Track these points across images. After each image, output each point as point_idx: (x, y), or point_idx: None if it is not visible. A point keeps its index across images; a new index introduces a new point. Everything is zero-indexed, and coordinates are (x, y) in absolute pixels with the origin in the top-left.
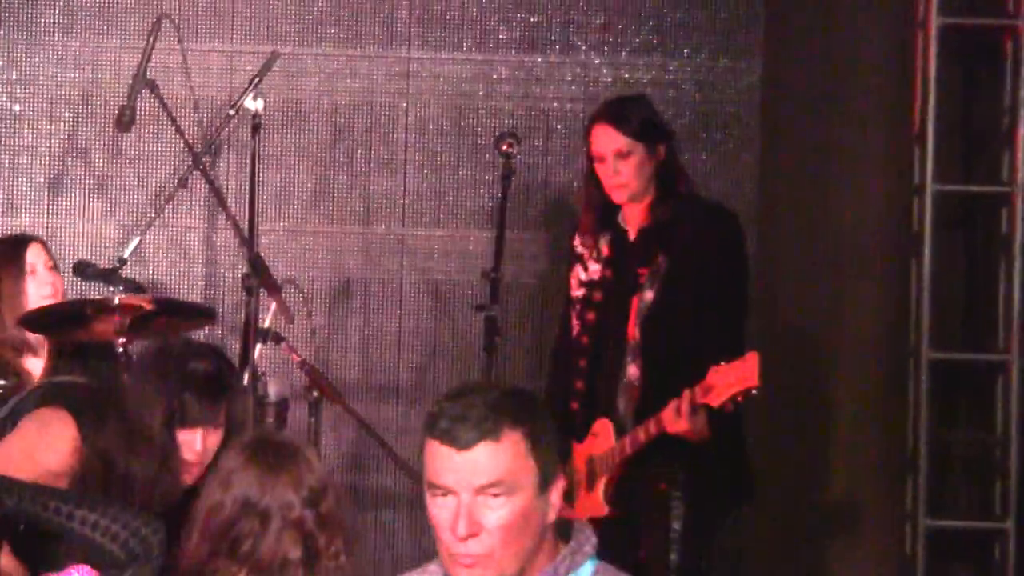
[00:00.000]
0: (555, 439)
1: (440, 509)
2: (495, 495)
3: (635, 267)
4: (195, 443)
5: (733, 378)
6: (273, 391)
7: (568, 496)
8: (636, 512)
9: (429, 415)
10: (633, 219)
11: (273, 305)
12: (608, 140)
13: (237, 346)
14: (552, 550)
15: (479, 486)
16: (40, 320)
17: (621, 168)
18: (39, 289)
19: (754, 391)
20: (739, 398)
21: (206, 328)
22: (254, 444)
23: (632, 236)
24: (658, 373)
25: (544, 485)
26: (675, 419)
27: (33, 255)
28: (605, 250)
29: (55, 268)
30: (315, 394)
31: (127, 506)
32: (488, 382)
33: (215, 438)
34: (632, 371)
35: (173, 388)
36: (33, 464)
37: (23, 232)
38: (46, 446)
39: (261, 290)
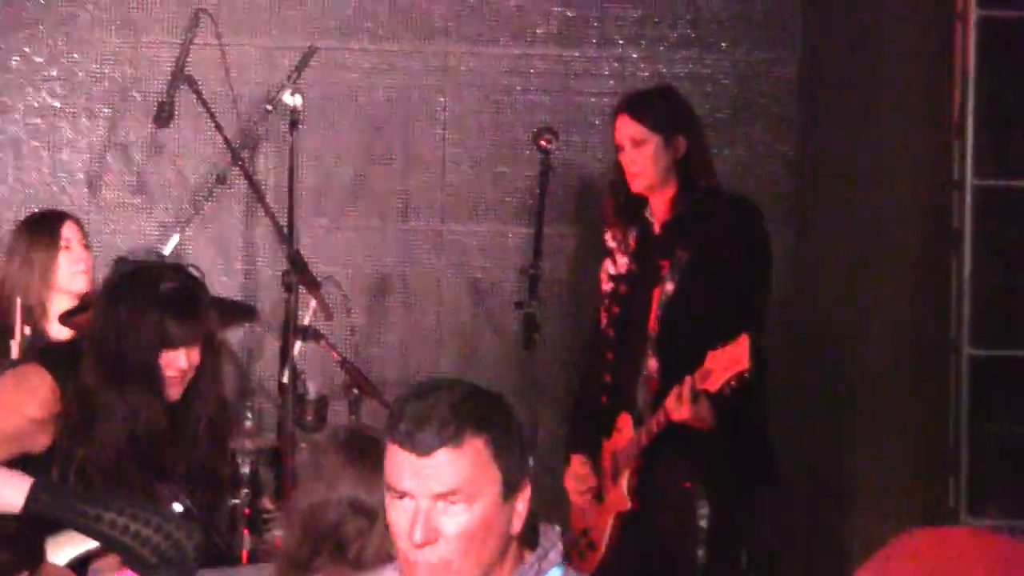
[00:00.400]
0: (523, 445)
1: (398, 513)
2: (454, 502)
3: (658, 260)
4: (179, 361)
5: (727, 361)
6: (312, 388)
7: (599, 494)
8: (660, 510)
9: (390, 415)
10: (658, 212)
11: (312, 302)
12: (625, 129)
13: (276, 343)
14: (517, 559)
15: (438, 493)
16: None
17: (636, 157)
18: (72, 265)
19: (746, 374)
20: (732, 382)
21: (246, 325)
22: (353, 441)
23: (656, 229)
24: (675, 365)
25: (509, 493)
26: (677, 406)
27: (68, 231)
28: (632, 243)
29: (88, 246)
30: (354, 391)
31: (163, 510)
32: (454, 380)
33: (196, 353)
34: (651, 364)
35: (151, 313)
36: (17, 416)
37: (59, 209)
38: (26, 396)
39: (300, 287)
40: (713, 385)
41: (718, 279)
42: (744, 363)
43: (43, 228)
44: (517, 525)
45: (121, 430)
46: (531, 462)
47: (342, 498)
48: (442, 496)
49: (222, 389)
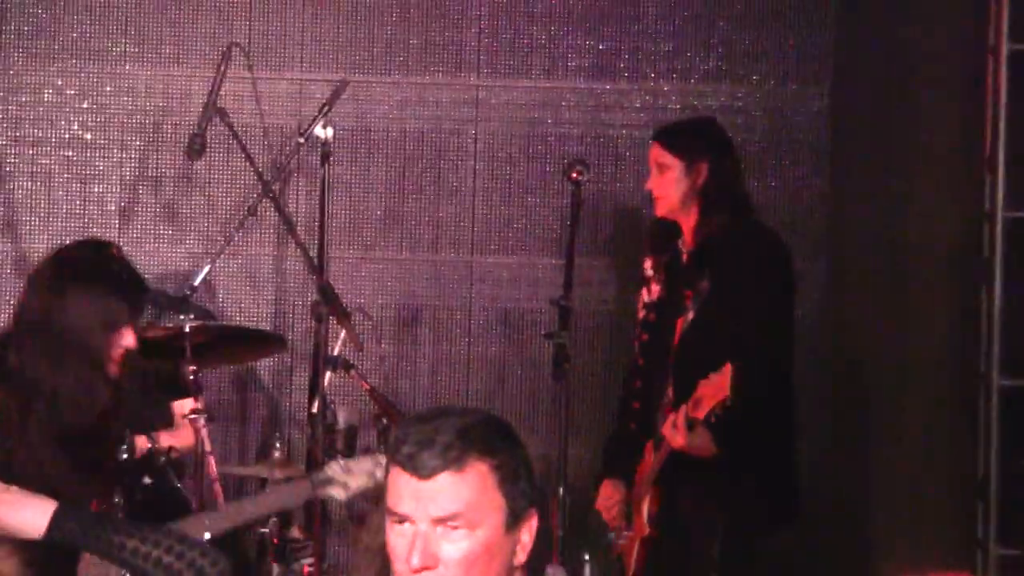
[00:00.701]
0: (530, 474)
1: (397, 537)
2: (455, 527)
3: (683, 289)
4: (128, 339)
5: (712, 390)
6: (342, 418)
7: (628, 519)
8: (675, 538)
9: (395, 437)
10: (686, 241)
11: (342, 333)
12: (653, 153)
13: (307, 373)
14: None
15: (438, 517)
16: None
17: (659, 182)
18: None
19: (727, 402)
20: (716, 410)
21: (275, 355)
22: None
23: (684, 257)
24: (686, 394)
25: (513, 522)
26: (672, 434)
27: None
28: (662, 272)
29: None
30: (384, 421)
31: (185, 537)
32: (462, 407)
33: (137, 328)
34: (670, 392)
35: (103, 293)
36: None
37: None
38: None
39: (330, 317)
40: (700, 413)
41: (731, 309)
42: (725, 391)
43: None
44: (521, 556)
45: (56, 417)
46: (539, 492)
47: None
48: (442, 521)
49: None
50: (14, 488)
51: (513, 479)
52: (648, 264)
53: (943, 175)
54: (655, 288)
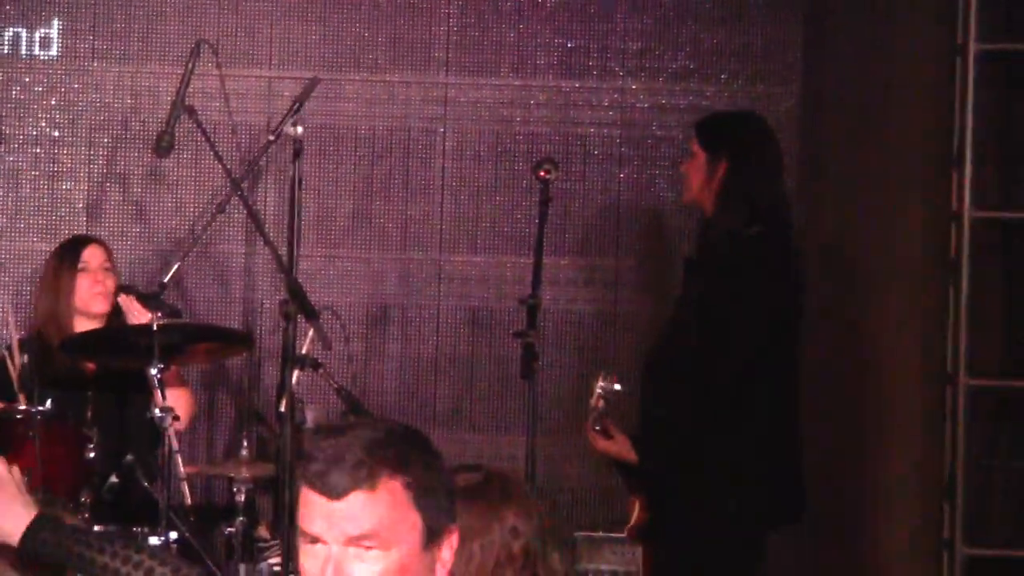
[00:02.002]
0: (449, 489)
1: (308, 558)
2: (369, 548)
3: (689, 289)
4: None
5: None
6: (310, 417)
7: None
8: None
9: (303, 453)
10: (703, 237)
11: (311, 331)
12: (690, 141)
13: (274, 372)
14: None
15: (350, 537)
16: (81, 345)
17: (687, 169)
18: (90, 287)
19: (598, 413)
20: (597, 426)
21: (244, 353)
22: (493, 479)
23: (699, 257)
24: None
25: (430, 540)
26: (594, 443)
27: (88, 254)
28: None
29: (110, 270)
30: (352, 420)
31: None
32: (373, 419)
33: None
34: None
35: None
36: None
37: (88, 234)
38: None
39: (299, 316)
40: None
41: (703, 321)
42: (592, 401)
43: (66, 252)
44: (441, 573)
45: None
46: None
47: (505, 527)
48: (355, 541)
49: None
50: (9, 488)
51: (430, 494)
52: (687, 256)
53: (911, 175)
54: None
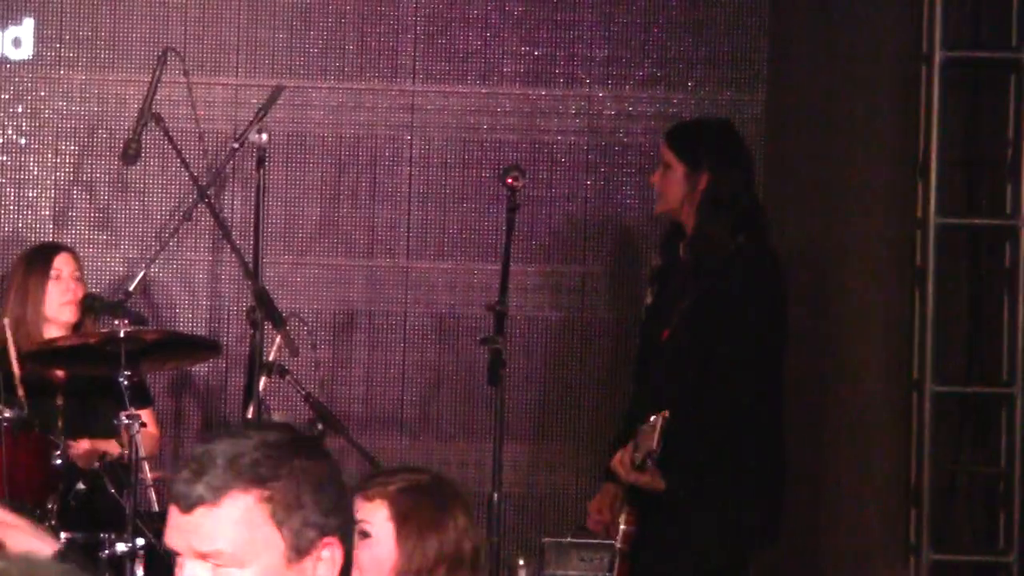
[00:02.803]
0: (326, 499)
1: (177, 570)
2: (220, 565)
3: (672, 299)
4: None
5: (646, 438)
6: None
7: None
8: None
9: (178, 462)
10: (685, 248)
11: (278, 338)
12: (661, 149)
13: (241, 379)
14: None
15: (200, 552)
16: (49, 353)
17: (661, 180)
18: (60, 295)
19: (654, 455)
20: (648, 460)
21: (211, 360)
22: (441, 483)
23: (678, 266)
24: (655, 408)
25: (297, 554)
26: (620, 471)
27: (60, 262)
28: (656, 277)
29: (80, 279)
30: (319, 426)
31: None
32: (251, 427)
33: None
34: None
35: None
36: None
37: (58, 242)
38: None
39: (266, 323)
40: (636, 460)
41: (707, 334)
42: (651, 444)
43: (37, 258)
44: None
45: None
46: (341, 517)
47: (459, 526)
48: (205, 557)
49: None
50: (23, 522)
51: (293, 509)
52: (654, 264)
53: (877, 182)
54: (651, 292)
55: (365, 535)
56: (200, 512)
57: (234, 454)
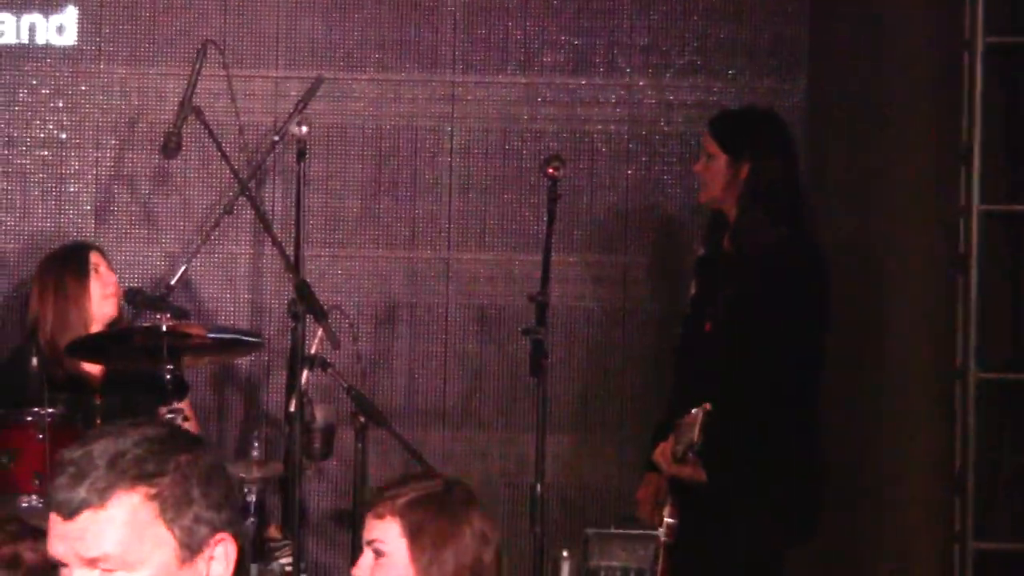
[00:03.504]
0: (216, 493)
1: None
2: (109, 571)
3: (715, 291)
4: None
5: (687, 428)
6: (320, 417)
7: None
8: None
9: (54, 466)
10: (728, 238)
11: (319, 331)
12: (704, 138)
13: (283, 372)
14: None
15: (88, 559)
16: (88, 348)
17: (704, 170)
18: (103, 288)
19: (694, 447)
20: (689, 453)
21: (252, 354)
22: (455, 487)
23: (721, 258)
24: (696, 401)
25: (190, 553)
26: (662, 464)
27: (96, 257)
28: (698, 268)
29: (114, 271)
30: (361, 419)
31: None
32: (130, 425)
33: None
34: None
35: None
36: None
37: (84, 240)
38: None
39: (307, 316)
40: (678, 451)
41: (750, 327)
42: (692, 435)
43: (72, 257)
44: None
45: None
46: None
47: (475, 532)
48: (94, 563)
49: None
50: None
51: (182, 505)
52: (698, 254)
53: (919, 170)
54: (695, 283)
55: (379, 554)
56: (85, 516)
57: (115, 453)
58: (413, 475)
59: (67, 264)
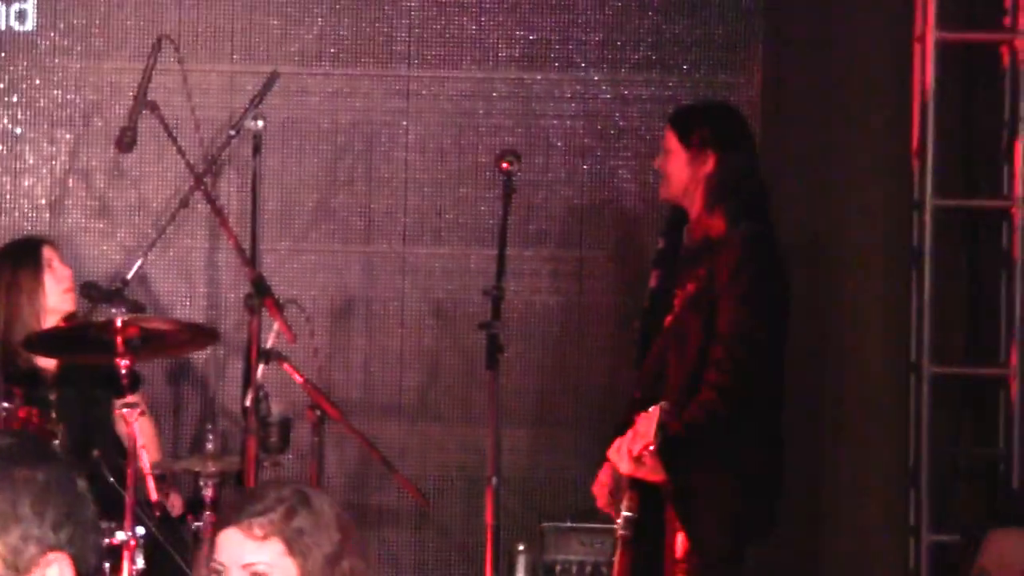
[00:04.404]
0: (51, 511)
1: None
2: None
3: (672, 286)
4: None
5: (644, 428)
6: (276, 411)
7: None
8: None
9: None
10: (688, 233)
11: (275, 325)
12: (665, 134)
13: (239, 366)
14: None
15: None
16: (44, 342)
17: (664, 165)
18: (57, 283)
19: (651, 447)
20: (646, 454)
21: (209, 348)
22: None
23: (681, 252)
24: (655, 397)
25: (16, 572)
26: (618, 460)
27: (49, 252)
28: (660, 262)
29: (68, 265)
30: (318, 413)
31: None
32: None
33: None
34: (636, 392)
35: None
36: None
37: (36, 234)
38: None
39: (263, 310)
40: (635, 450)
41: (709, 322)
42: (649, 437)
43: (25, 252)
44: None
45: None
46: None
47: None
48: None
49: None
50: None
51: (8, 521)
52: (659, 247)
53: (873, 164)
54: (654, 276)
55: None
56: None
57: None
58: (264, 487)
59: (20, 259)
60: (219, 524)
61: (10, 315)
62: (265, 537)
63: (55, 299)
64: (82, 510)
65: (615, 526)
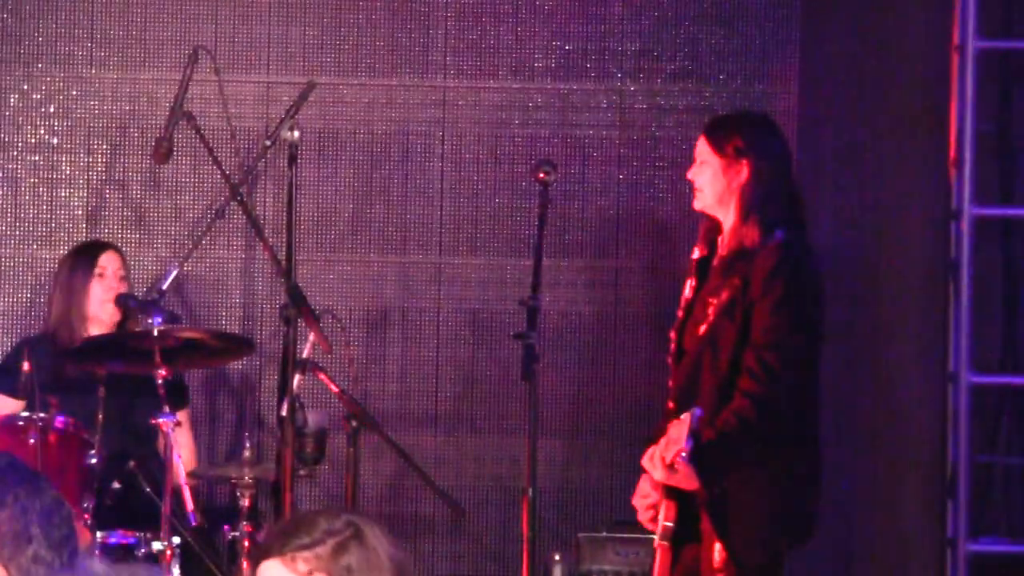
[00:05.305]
0: (55, 532)
1: None
2: None
3: (708, 295)
4: None
5: (676, 436)
6: (312, 421)
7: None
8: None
9: None
10: (723, 242)
11: (311, 335)
12: (697, 144)
13: (275, 376)
14: None
15: None
16: (82, 352)
17: (698, 175)
18: (103, 293)
19: (683, 454)
20: (678, 461)
21: (244, 358)
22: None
23: (716, 261)
24: (686, 405)
25: None
26: (651, 468)
27: (106, 260)
28: (694, 271)
29: (124, 279)
30: (353, 424)
31: None
32: None
33: None
34: (670, 403)
35: None
36: None
37: (104, 240)
38: None
39: (299, 320)
40: (668, 457)
41: (743, 332)
42: (680, 443)
43: (82, 256)
44: None
45: None
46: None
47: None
48: None
49: None
50: None
51: (21, 542)
52: (694, 257)
53: (910, 173)
54: (689, 286)
55: None
56: None
57: None
58: (314, 516)
59: (76, 262)
60: (261, 552)
61: (60, 317)
62: (309, 574)
63: (96, 306)
64: (74, 534)
65: (653, 536)
